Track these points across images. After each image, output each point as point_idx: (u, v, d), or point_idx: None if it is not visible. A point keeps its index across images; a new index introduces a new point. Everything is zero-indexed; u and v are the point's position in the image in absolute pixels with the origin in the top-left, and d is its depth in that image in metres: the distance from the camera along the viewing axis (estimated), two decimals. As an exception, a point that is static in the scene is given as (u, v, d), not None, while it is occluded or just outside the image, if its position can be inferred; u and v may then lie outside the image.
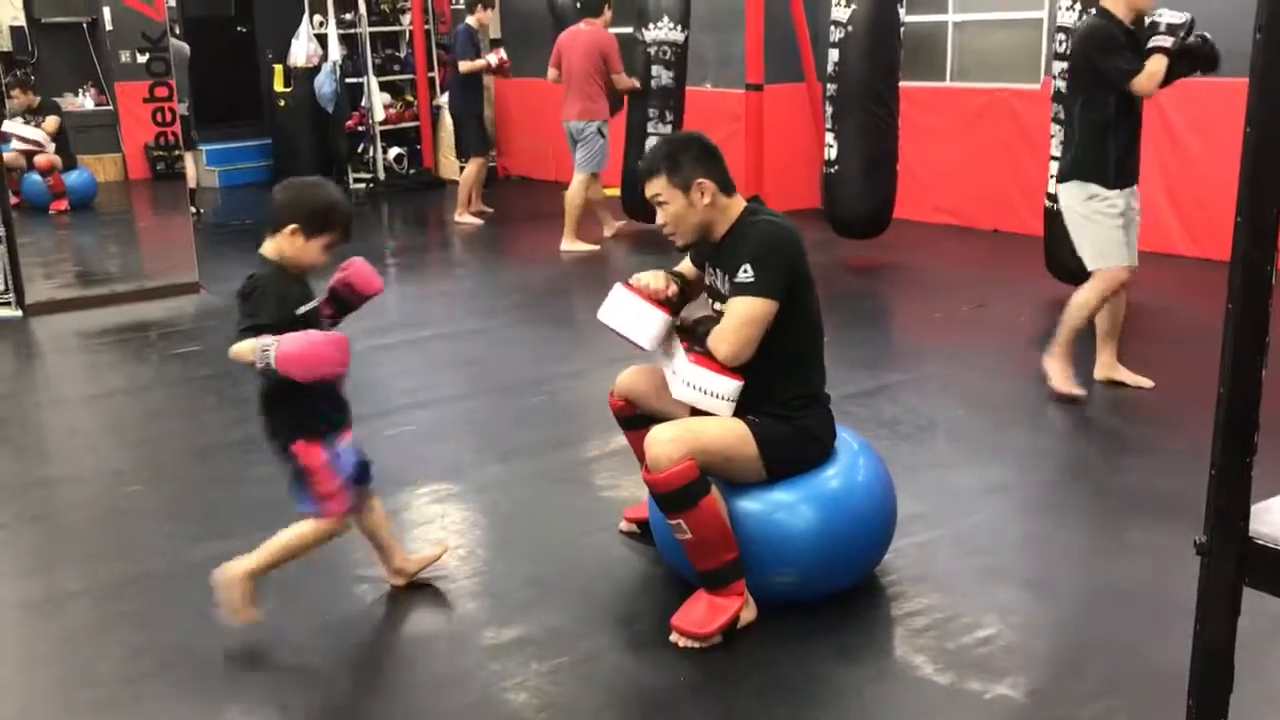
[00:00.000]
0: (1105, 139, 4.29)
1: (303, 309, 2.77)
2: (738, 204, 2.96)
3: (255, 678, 2.75)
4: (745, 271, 2.81)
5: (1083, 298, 4.42)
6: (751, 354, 2.83)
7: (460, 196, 9.01)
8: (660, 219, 2.96)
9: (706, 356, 2.84)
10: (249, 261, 2.81)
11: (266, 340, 2.61)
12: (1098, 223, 4.33)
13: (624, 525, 3.47)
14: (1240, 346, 1.21)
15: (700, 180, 2.88)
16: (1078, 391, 4.43)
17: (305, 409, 2.78)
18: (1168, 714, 1.90)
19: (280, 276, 2.76)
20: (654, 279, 2.99)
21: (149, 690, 2.73)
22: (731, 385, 2.83)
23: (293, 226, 2.74)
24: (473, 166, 8.93)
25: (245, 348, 2.63)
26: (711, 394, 2.83)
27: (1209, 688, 1.45)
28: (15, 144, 9.26)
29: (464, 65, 8.66)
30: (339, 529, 2.87)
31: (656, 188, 2.91)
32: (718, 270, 2.97)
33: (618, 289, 2.97)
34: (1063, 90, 5.59)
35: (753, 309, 2.81)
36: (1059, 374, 4.48)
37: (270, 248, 2.79)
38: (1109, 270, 4.34)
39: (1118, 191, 4.32)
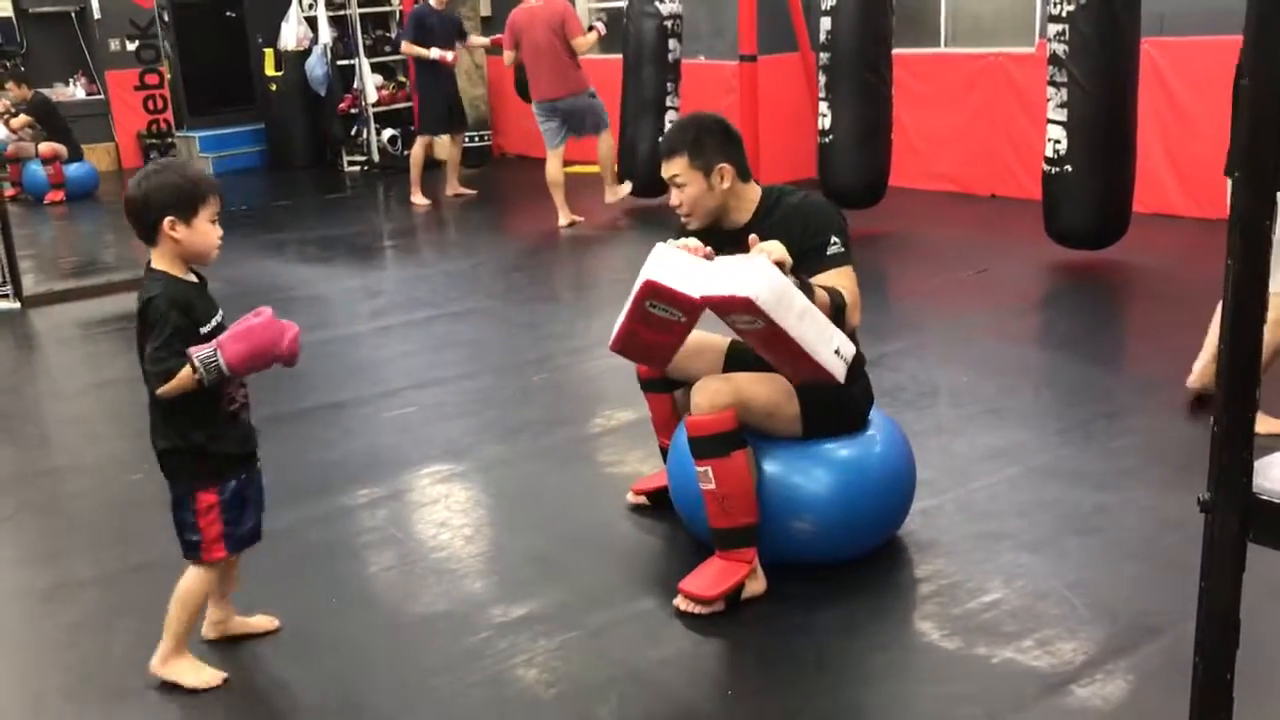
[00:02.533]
0: None
1: (208, 326, 2.50)
2: (754, 190, 2.97)
3: (264, 662, 2.76)
4: (835, 244, 2.84)
5: None
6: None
7: (412, 177, 8.92)
8: (675, 200, 2.95)
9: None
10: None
11: (204, 352, 2.39)
12: None
13: (631, 498, 3.47)
14: (1241, 302, 1.21)
15: (722, 165, 2.88)
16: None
17: (208, 450, 2.54)
18: (1177, 674, 1.90)
19: (178, 293, 2.47)
20: (691, 241, 2.83)
21: (158, 677, 2.73)
22: (851, 346, 2.75)
23: (168, 220, 2.44)
24: (420, 147, 8.87)
25: (184, 376, 2.39)
26: (847, 360, 2.70)
27: (1215, 645, 1.45)
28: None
29: (404, 48, 8.58)
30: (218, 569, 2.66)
31: (676, 168, 2.90)
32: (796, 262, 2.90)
33: (660, 247, 2.77)
34: (1059, 54, 5.56)
35: (853, 275, 2.87)
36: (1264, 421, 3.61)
37: (161, 258, 2.49)
38: None
39: None
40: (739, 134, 2.98)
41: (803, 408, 2.91)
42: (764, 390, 2.88)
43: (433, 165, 10.72)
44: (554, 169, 7.75)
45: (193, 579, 2.63)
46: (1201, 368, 4.01)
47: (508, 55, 7.72)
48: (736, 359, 3.09)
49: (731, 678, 2.65)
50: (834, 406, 2.96)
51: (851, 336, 2.93)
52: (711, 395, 2.80)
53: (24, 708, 2.69)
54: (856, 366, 2.99)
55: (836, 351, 2.63)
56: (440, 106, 8.74)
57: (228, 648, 2.83)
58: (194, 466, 2.56)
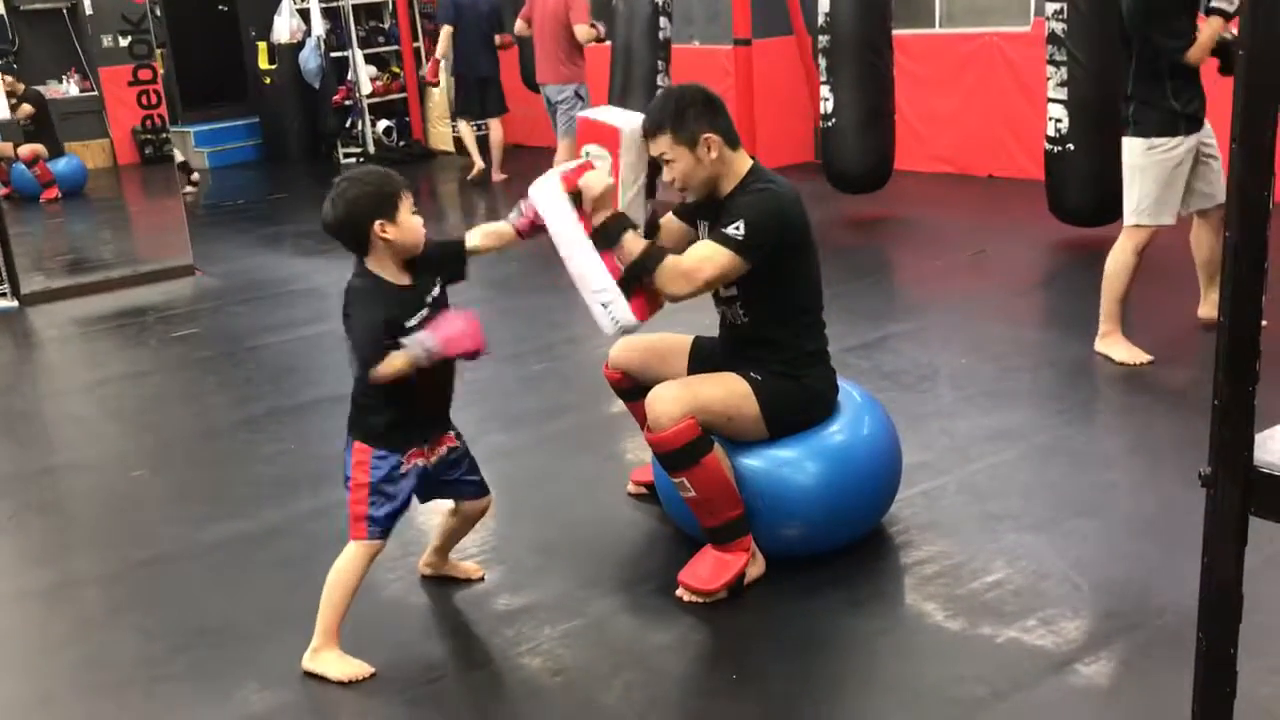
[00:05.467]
0: None
1: (412, 321, 2.57)
2: (743, 159, 2.88)
3: (269, 655, 2.76)
4: (737, 228, 2.72)
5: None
6: (688, 296, 2.76)
7: (495, 159, 9.08)
8: (667, 176, 2.88)
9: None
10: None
11: (421, 337, 2.50)
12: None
13: (631, 488, 3.47)
14: (1239, 275, 1.20)
15: (707, 135, 2.80)
16: (1148, 357, 4.17)
17: (391, 415, 2.62)
18: (1180, 650, 1.90)
19: (383, 292, 2.58)
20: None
21: (165, 672, 2.74)
22: (631, 319, 2.72)
23: (379, 224, 2.54)
24: (501, 127, 9.03)
25: (398, 360, 2.49)
26: (613, 319, 2.72)
27: (1218, 619, 1.45)
28: None
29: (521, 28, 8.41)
30: (376, 551, 2.67)
31: (662, 146, 2.82)
32: (711, 226, 2.90)
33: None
34: (1058, 33, 5.55)
35: (726, 260, 2.72)
36: (1123, 347, 4.22)
37: (375, 262, 2.60)
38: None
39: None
40: (722, 101, 2.89)
41: (762, 407, 2.84)
42: (720, 392, 2.82)
43: (429, 156, 10.74)
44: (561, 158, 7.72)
45: (344, 558, 2.66)
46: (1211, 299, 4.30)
47: (519, 25, 7.86)
48: (700, 355, 3.09)
49: (735, 661, 2.65)
50: (795, 402, 2.90)
51: (815, 320, 2.94)
52: (668, 407, 2.73)
53: (32, 706, 2.69)
54: (815, 353, 2.97)
55: (604, 305, 2.70)
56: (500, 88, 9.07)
57: (233, 641, 2.83)
58: (370, 423, 2.64)
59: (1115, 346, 4.21)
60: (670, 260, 2.74)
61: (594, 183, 2.73)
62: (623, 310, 2.71)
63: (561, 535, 3.26)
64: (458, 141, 9.97)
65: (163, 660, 2.79)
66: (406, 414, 2.63)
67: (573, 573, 3.04)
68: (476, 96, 9.04)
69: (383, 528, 2.65)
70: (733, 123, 2.89)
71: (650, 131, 2.84)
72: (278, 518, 3.51)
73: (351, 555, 2.65)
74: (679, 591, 2.84)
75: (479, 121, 9.19)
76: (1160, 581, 2.76)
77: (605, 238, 2.74)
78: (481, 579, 3.02)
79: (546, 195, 2.74)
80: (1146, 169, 4.05)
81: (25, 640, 3.02)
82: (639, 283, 2.75)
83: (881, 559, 3.02)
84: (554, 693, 2.55)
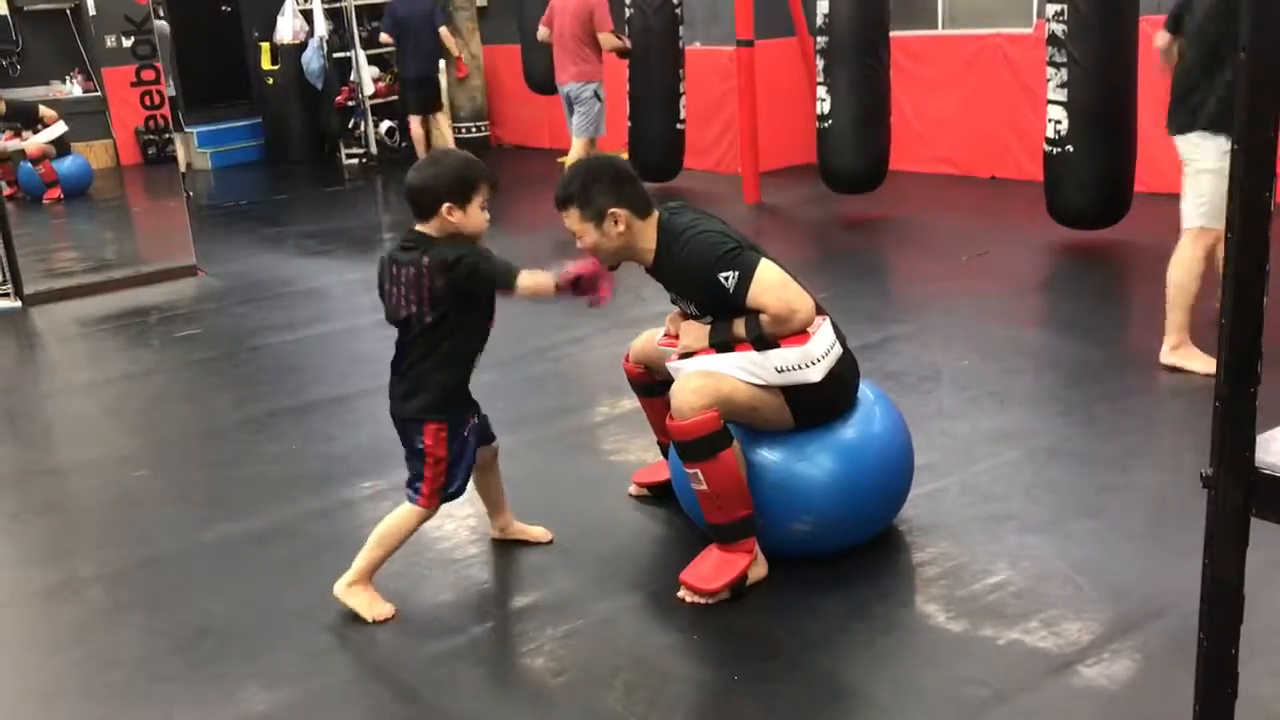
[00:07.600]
0: None
1: None
2: (653, 224, 2.94)
3: (271, 655, 2.76)
4: (727, 277, 2.79)
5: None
6: (808, 299, 2.85)
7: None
8: (580, 245, 2.96)
9: (767, 340, 2.82)
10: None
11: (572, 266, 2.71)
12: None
13: (633, 490, 3.47)
14: (1240, 276, 1.20)
15: (614, 211, 2.86)
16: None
17: (455, 388, 2.82)
18: (1182, 652, 1.90)
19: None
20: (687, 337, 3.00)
21: (166, 672, 2.74)
22: (820, 341, 2.84)
23: (446, 205, 2.69)
24: (448, 123, 9.93)
25: (543, 279, 2.69)
26: (809, 363, 2.81)
27: (1220, 621, 1.45)
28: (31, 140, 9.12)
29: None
30: (431, 514, 2.88)
31: (571, 221, 2.92)
32: (676, 296, 3.03)
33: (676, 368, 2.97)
34: (1059, 34, 5.55)
35: (768, 276, 2.80)
36: (1198, 358, 4.07)
37: (430, 227, 2.74)
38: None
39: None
40: (631, 172, 2.96)
41: (787, 396, 2.86)
42: (745, 384, 2.82)
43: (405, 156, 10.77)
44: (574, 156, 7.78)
45: (401, 516, 2.86)
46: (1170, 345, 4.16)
47: (541, 31, 7.94)
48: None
49: (737, 662, 2.65)
50: (820, 390, 2.91)
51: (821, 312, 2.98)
52: (692, 397, 2.76)
53: (33, 706, 2.69)
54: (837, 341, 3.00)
55: (779, 370, 2.81)
56: None
57: (235, 641, 2.84)
58: (445, 402, 2.82)
59: (1191, 358, 4.06)
60: (763, 319, 2.80)
61: (692, 344, 2.92)
62: (797, 354, 2.80)
63: (564, 535, 3.26)
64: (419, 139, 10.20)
65: (164, 660, 2.79)
66: (461, 380, 2.86)
67: (575, 573, 3.04)
68: (414, 95, 9.67)
69: (454, 493, 2.87)
70: (643, 191, 2.94)
71: (559, 206, 2.94)
72: (280, 518, 3.52)
73: (409, 514, 2.85)
74: (681, 592, 2.84)
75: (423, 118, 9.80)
76: (1162, 583, 2.76)
77: (725, 345, 2.86)
78: (550, 542, 3.19)
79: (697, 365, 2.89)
80: (1222, 170, 3.92)
81: (26, 640, 3.03)
82: (768, 341, 2.83)
83: (883, 560, 3.02)
84: (556, 693, 2.55)
